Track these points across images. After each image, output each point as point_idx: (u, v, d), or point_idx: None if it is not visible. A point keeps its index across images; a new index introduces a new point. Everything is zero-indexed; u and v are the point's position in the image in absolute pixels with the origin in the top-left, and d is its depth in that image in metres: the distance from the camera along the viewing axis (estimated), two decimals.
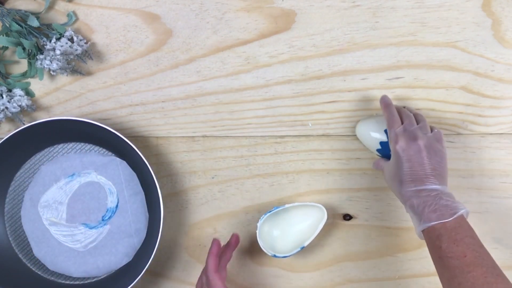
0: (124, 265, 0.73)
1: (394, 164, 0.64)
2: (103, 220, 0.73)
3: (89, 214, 0.74)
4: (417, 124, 0.66)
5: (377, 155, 0.72)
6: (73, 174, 0.74)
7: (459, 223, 0.58)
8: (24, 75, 0.75)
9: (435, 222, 0.58)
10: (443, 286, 0.57)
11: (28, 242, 0.75)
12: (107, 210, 0.73)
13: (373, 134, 0.71)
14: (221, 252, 0.70)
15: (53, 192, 0.74)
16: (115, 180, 0.74)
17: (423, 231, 0.60)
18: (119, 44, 0.74)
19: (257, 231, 0.72)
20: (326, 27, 0.73)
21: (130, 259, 0.73)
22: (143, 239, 0.73)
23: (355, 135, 0.74)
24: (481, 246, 0.58)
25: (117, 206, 0.73)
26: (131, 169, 0.74)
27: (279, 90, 0.74)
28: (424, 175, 0.62)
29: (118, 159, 0.74)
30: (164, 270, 0.76)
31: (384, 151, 0.70)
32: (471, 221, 0.75)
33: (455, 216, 0.58)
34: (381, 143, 0.70)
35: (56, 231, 0.74)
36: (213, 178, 0.76)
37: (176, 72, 0.75)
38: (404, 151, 0.63)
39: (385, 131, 0.70)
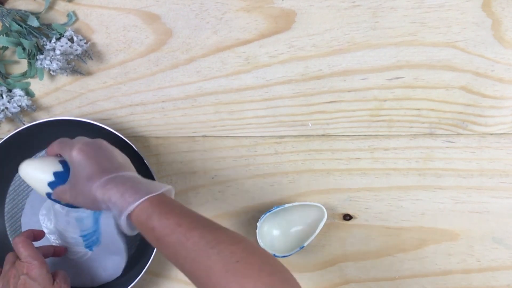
0: (124, 265, 0.73)
1: (75, 173, 0.58)
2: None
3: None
4: None
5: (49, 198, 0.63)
6: None
7: (163, 198, 0.54)
8: (24, 75, 0.75)
9: (139, 201, 0.53)
10: (179, 268, 0.52)
11: None
12: None
13: (40, 175, 0.62)
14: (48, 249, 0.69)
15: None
16: None
17: (131, 219, 0.54)
18: (119, 44, 0.74)
19: (257, 231, 0.72)
20: (326, 27, 0.73)
21: (120, 273, 0.73)
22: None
23: (351, 135, 0.74)
24: (193, 212, 0.54)
25: None
26: None
27: (279, 90, 0.74)
28: (112, 166, 0.57)
29: None
30: (164, 270, 0.76)
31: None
32: (472, 221, 0.75)
33: (160, 191, 0.54)
34: (50, 183, 0.61)
35: (55, 240, 0.74)
36: (213, 178, 0.76)
37: (176, 72, 0.75)
38: (82, 151, 0.58)
39: (54, 173, 0.61)
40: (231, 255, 0.48)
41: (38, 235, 0.68)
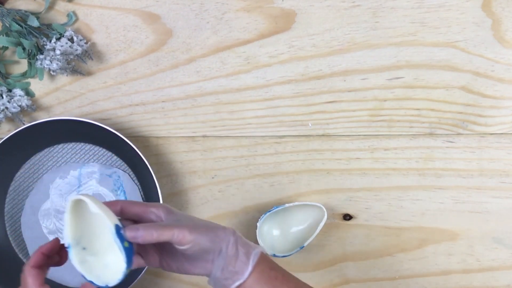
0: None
1: (185, 216, 0.57)
2: None
3: None
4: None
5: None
6: (74, 184, 0.74)
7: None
8: (24, 75, 0.75)
9: (262, 250, 0.55)
10: None
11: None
12: None
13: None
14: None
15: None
16: (116, 192, 0.74)
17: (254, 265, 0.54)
18: (119, 44, 0.74)
19: (257, 231, 0.72)
20: (326, 27, 0.73)
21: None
22: None
23: (351, 135, 0.74)
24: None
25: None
26: (133, 182, 0.74)
27: (279, 90, 0.74)
28: (214, 225, 0.55)
29: (120, 171, 0.74)
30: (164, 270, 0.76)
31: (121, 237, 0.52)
32: (472, 221, 0.75)
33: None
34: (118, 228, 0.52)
35: None
36: (213, 178, 0.76)
37: (176, 72, 0.75)
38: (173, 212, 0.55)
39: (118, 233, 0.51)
40: None
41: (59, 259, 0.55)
